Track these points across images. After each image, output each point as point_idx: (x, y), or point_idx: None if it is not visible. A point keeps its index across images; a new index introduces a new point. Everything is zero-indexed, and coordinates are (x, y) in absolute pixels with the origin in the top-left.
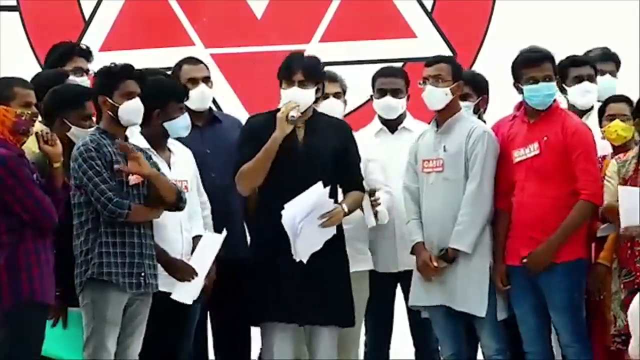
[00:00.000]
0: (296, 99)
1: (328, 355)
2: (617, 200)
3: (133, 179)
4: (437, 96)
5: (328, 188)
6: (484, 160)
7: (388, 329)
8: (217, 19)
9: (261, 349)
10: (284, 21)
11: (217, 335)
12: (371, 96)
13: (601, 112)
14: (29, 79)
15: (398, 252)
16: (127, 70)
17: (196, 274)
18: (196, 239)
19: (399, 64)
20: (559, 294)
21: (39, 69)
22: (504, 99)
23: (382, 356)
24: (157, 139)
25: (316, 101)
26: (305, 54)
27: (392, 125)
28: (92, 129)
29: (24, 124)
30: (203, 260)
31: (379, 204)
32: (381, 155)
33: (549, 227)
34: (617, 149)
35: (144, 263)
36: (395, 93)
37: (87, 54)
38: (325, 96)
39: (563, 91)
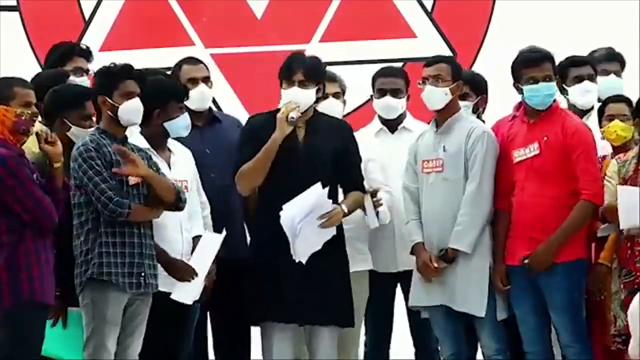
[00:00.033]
0: (296, 99)
1: (328, 355)
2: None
3: (133, 179)
4: (436, 96)
5: (327, 189)
6: (484, 161)
7: (388, 329)
8: (217, 19)
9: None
10: (284, 21)
11: (217, 335)
12: (371, 96)
13: (601, 112)
14: (29, 79)
15: (398, 252)
16: (126, 70)
17: (196, 274)
18: (196, 239)
19: (399, 64)
20: (559, 294)
21: (39, 69)
22: (503, 99)
23: (382, 356)
24: (157, 139)
25: (317, 101)
26: (306, 54)
27: (392, 125)
28: (92, 129)
29: (24, 124)
30: (203, 260)
31: (381, 204)
32: (381, 155)
33: (549, 227)
34: (617, 149)
35: (144, 263)
36: (395, 93)
37: (87, 54)
38: (325, 96)
39: (563, 91)
